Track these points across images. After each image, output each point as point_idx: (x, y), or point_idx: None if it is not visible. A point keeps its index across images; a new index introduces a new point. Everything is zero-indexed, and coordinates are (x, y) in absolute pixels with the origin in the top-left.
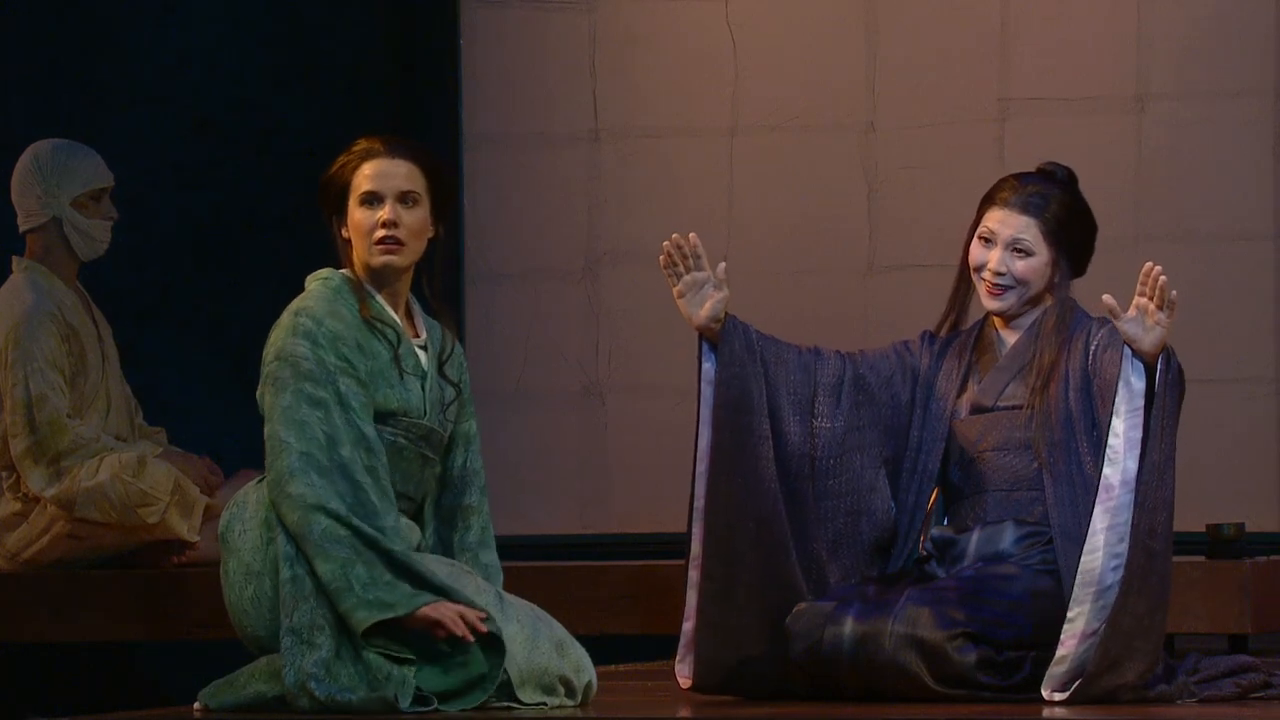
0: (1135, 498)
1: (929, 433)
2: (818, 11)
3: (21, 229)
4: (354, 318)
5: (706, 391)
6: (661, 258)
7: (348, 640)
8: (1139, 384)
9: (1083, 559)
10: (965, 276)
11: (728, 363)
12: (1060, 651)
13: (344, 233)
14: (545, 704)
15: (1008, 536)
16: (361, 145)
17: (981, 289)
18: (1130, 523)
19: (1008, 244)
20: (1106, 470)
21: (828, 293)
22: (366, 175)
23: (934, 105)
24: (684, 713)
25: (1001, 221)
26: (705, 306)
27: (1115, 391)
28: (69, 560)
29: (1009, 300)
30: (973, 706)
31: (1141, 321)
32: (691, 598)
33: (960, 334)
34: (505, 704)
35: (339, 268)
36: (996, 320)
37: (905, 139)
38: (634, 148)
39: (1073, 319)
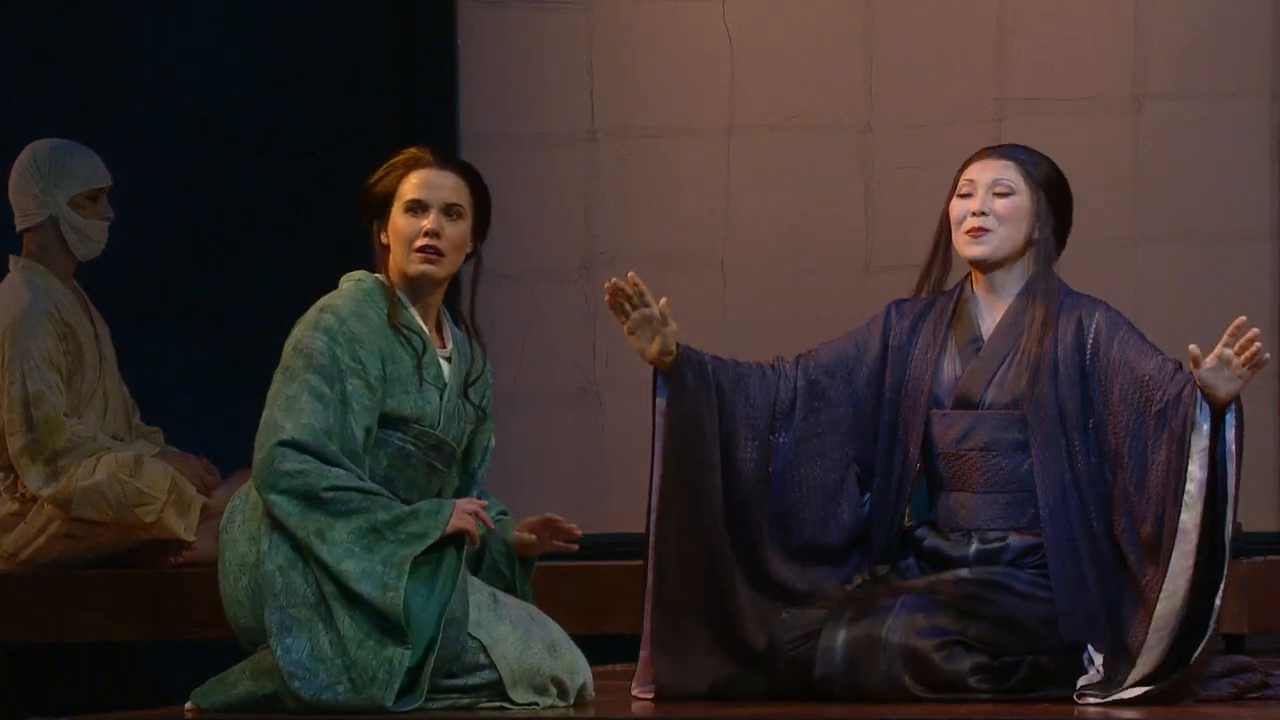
0: (1214, 542)
1: (904, 417)
2: (815, 11)
3: (19, 228)
4: (380, 321)
5: (660, 424)
6: (606, 298)
7: (326, 635)
8: (1207, 428)
9: (1160, 604)
10: (942, 237)
11: (677, 395)
12: (1122, 694)
13: (383, 238)
14: (537, 704)
15: (1005, 555)
16: (410, 154)
17: (962, 240)
18: (1207, 567)
19: (989, 186)
20: (1184, 516)
21: (825, 292)
22: (414, 184)
23: (931, 105)
24: (676, 713)
25: (980, 169)
26: (655, 342)
27: (1182, 434)
28: (66, 560)
29: (990, 244)
30: (972, 707)
31: (1222, 371)
32: (645, 626)
33: (938, 300)
34: (497, 704)
35: (371, 271)
36: (976, 282)
37: (903, 139)
38: (631, 148)
39: (1058, 299)
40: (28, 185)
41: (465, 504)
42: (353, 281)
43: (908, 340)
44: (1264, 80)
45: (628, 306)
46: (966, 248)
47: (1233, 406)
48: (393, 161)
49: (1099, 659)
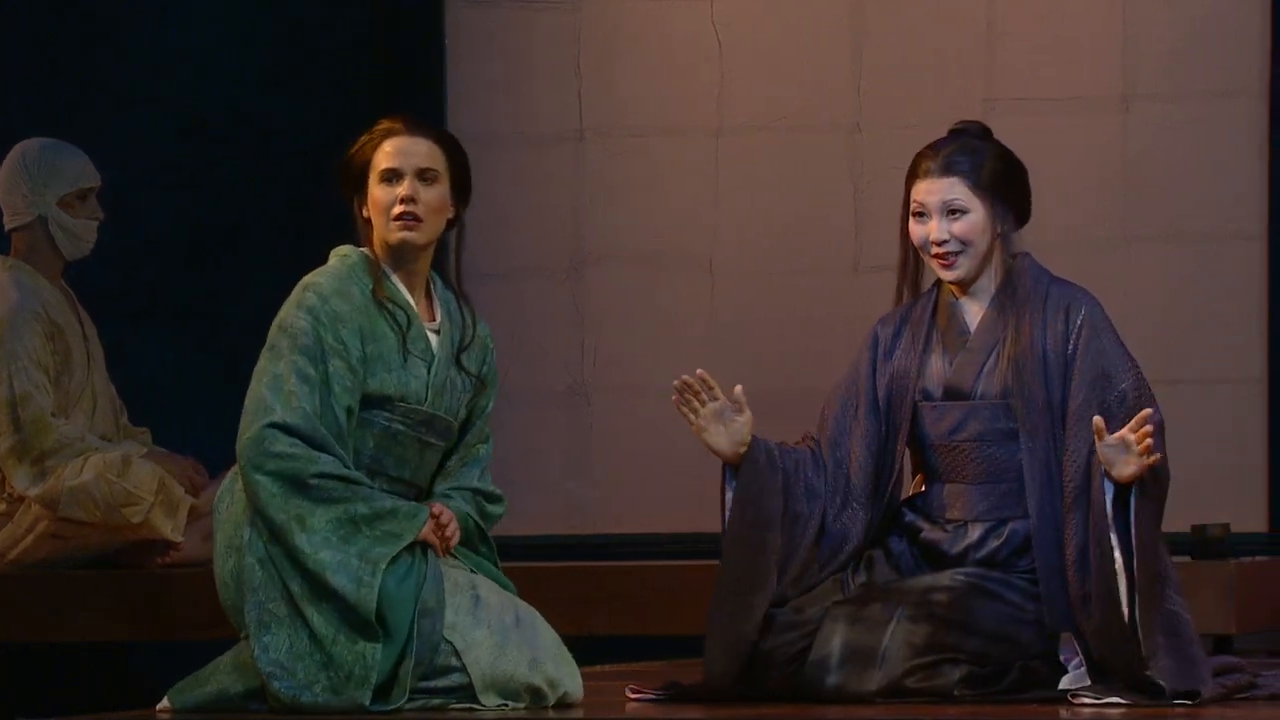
0: (1140, 600)
1: (893, 411)
2: (804, 11)
3: (7, 227)
4: (364, 298)
5: (731, 513)
6: (674, 398)
7: (305, 630)
8: (1107, 499)
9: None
10: (909, 247)
11: (749, 481)
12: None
13: (364, 212)
14: (506, 705)
15: (1005, 549)
16: (383, 125)
17: (934, 265)
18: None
19: (940, 209)
20: (1119, 583)
21: (815, 293)
22: (387, 153)
23: (920, 105)
24: (660, 714)
25: (927, 191)
26: (728, 434)
27: (1100, 500)
28: (54, 560)
29: (963, 267)
30: (963, 708)
31: (1121, 453)
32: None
33: (917, 302)
34: (466, 705)
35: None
36: (952, 286)
37: (892, 139)
38: (619, 147)
39: (1034, 285)
40: (16, 184)
41: (434, 525)
42: (339, 257)
43: (892, 344)
44: (1254, 81)
45: (695, 403)
46: (940, 273)
47: (1136, 492)
48: (366, 134)
49: (1078, 658)
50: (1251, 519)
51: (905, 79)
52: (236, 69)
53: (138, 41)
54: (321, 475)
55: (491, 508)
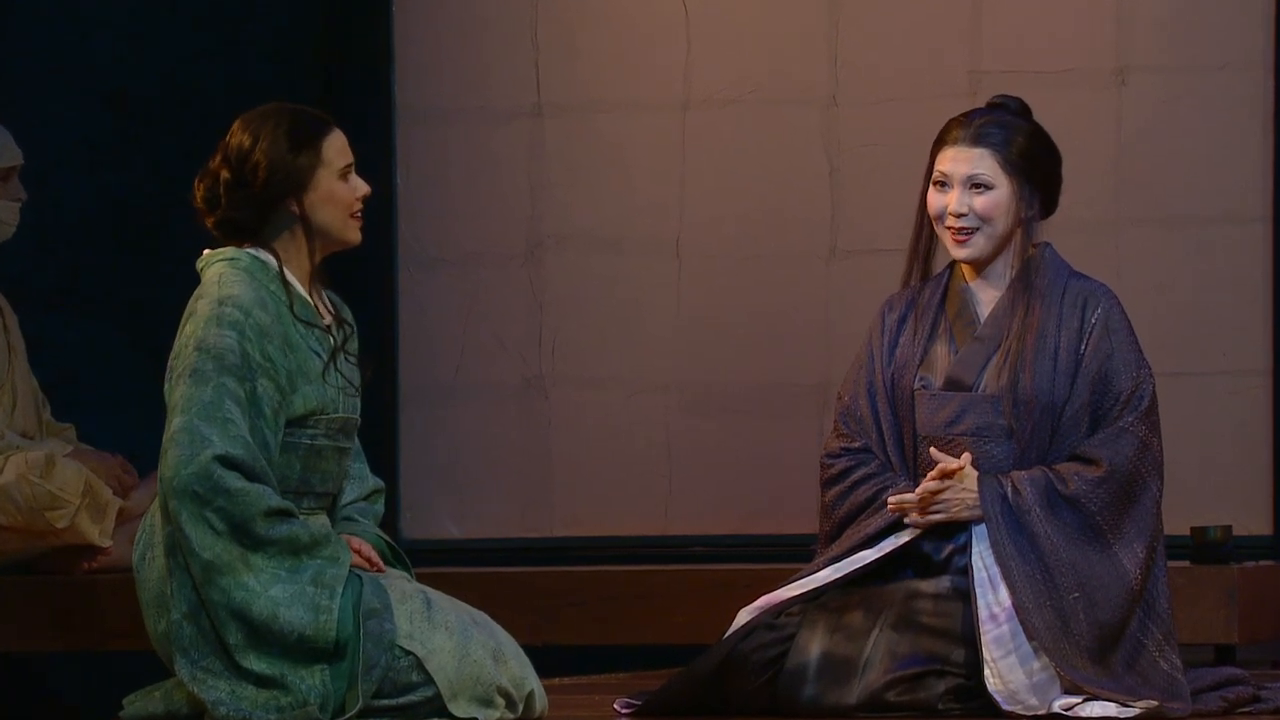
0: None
1: (899, 409)
2: None
3: None
4: (275, 305)
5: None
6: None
7: (247, 681)
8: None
9: None
10: (924, 224)
11: None
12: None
13: (294, 209)
14: (477, 719)
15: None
16: (317, 114)
17: (947, 239)
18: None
19: (964, 181)
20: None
21: (788, 279)
22: (339, 149)
23: (901, 78)
24: None
25: (954, 160)
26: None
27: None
28: None
29: (977, 245)
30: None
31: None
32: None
33: (926, 286)
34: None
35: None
36: (965, 270)
37: (870, 114)
38: (579, 123)
39: (1053, 277)
40: None
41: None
42: (225, 261)
43: (897, 331)
44: (1257, 53)
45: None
46: (953, 249)
47: (980, 535)
48: (303, 128)
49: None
50: (1255, 521)
51: (885, 49)
52: (165, 35)
53: (46, 7)
54: (269, 512)
55: (380, 508)
